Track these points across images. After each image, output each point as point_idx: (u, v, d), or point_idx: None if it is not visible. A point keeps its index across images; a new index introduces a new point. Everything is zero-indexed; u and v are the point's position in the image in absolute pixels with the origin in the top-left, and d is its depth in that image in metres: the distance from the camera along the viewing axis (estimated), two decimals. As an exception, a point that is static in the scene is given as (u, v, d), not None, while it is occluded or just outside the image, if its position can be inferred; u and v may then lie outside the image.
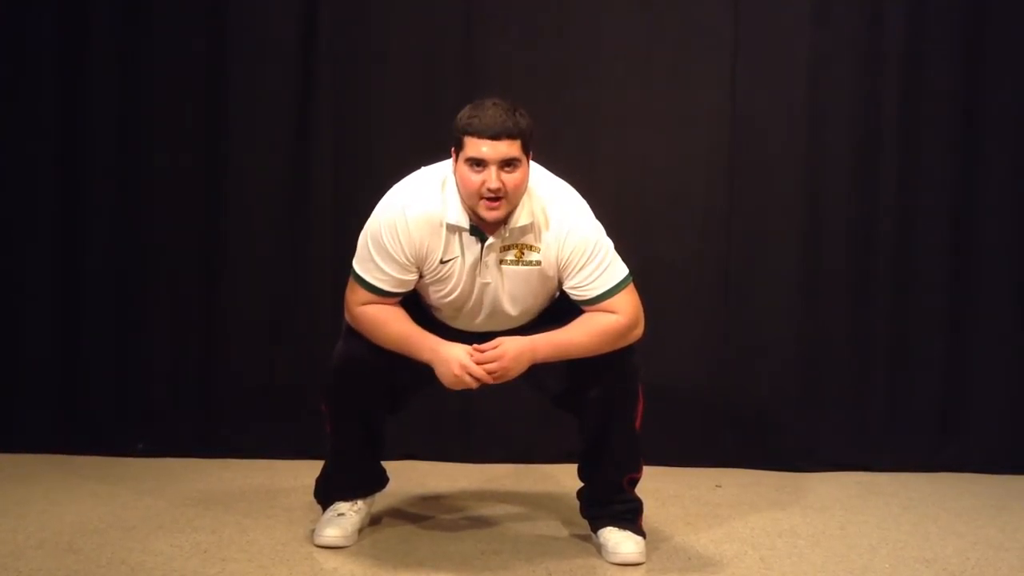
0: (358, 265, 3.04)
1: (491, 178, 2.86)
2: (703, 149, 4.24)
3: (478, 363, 2.90)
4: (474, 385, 2.93)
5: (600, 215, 3.07)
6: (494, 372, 2.91)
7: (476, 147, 2.87)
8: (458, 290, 3.03)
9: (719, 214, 4.24)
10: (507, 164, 2.88)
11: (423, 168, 3.09)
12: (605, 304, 3.00)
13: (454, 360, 2.92)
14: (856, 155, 4.24)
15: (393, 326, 3.01)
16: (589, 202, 3.07)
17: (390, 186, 3.06)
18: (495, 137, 2.86)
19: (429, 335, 2.99)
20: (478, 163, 2.88)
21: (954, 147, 4.24)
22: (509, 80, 4.01)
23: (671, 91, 4.23)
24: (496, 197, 2.88)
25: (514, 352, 2.91)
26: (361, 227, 3.06)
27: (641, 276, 3.14)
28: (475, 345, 2.92)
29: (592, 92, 4.21)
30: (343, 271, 3.17)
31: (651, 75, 4.22)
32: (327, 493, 3.28)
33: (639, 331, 3.04)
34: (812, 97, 4.21)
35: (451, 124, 2.96)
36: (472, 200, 2.91)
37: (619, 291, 3.01)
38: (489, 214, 2.90)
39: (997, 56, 4.21)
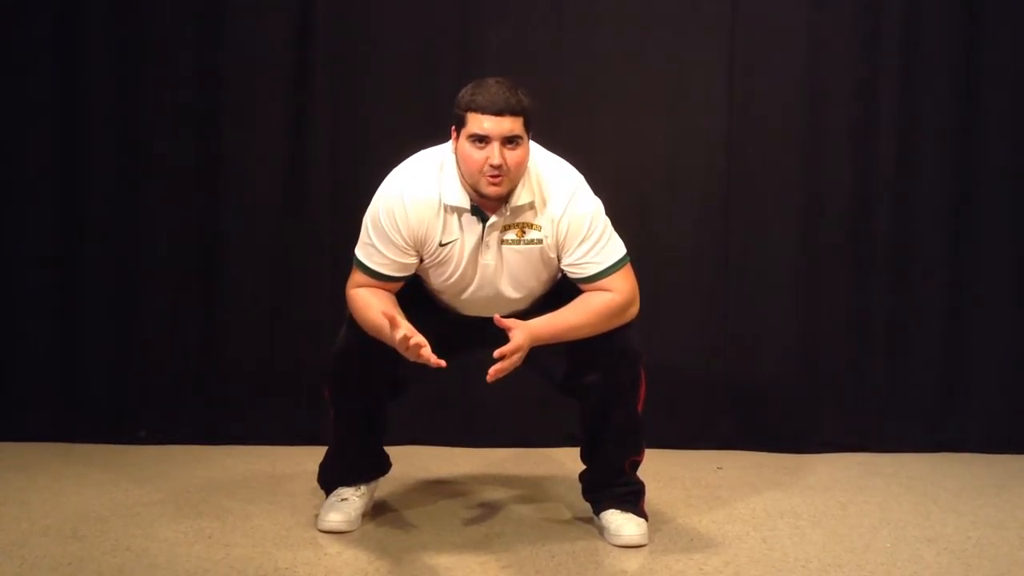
0: (359, 250, 3.05)
1: (494, 154, 2.86)
2: (701, 132, 4.25)
3: (499, 369, 2.83)
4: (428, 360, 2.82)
5: (599, 198, 3.07)
6: (513, 365, 2.86)
7: (479, 123, 2.87)
8: (459, 272, 3.03)
9: (718, 197, 4.25)
10: (509, 141, 2.88)
11: (421, 152, 3.10)
12: (602, 283, 3.01)
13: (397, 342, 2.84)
14: (854, 138, 4.24)
15: (368, 312, 2.98)
16: (588, 185, 3.07)
17: (388, 172, 3.07)
18: (498, 113, 2.86)
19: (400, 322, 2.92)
20: (480, 139, 2.87)
21: (952, 130, 4.25)
22: (506, 64, 3.99)
23: (669, 74, 4.23)
24: (498, 173, 2.88)
25: (527, 342, 2.89)
26: (359, 213, 3.07)
27: (640, 259, 3.15)
28: (497, 351, 2.85)
29: (590, 76, 4.21)
30: (342, 258, 3.18)
31: (649, 59, 4.22)
32: (330, 479, 3.29)
33: (635, 310, 3.05)
34: (810, 80, 4.21)
35: (449, 109, 2.96)
36: (474, 177, 2.91)
37: (616, 270, 3.02)
38: (491, 189, 2.90)
39: (995, 39, 4.21)
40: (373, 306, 2.99)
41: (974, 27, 4.22)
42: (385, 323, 2.89)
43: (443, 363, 2.84)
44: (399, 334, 2.82)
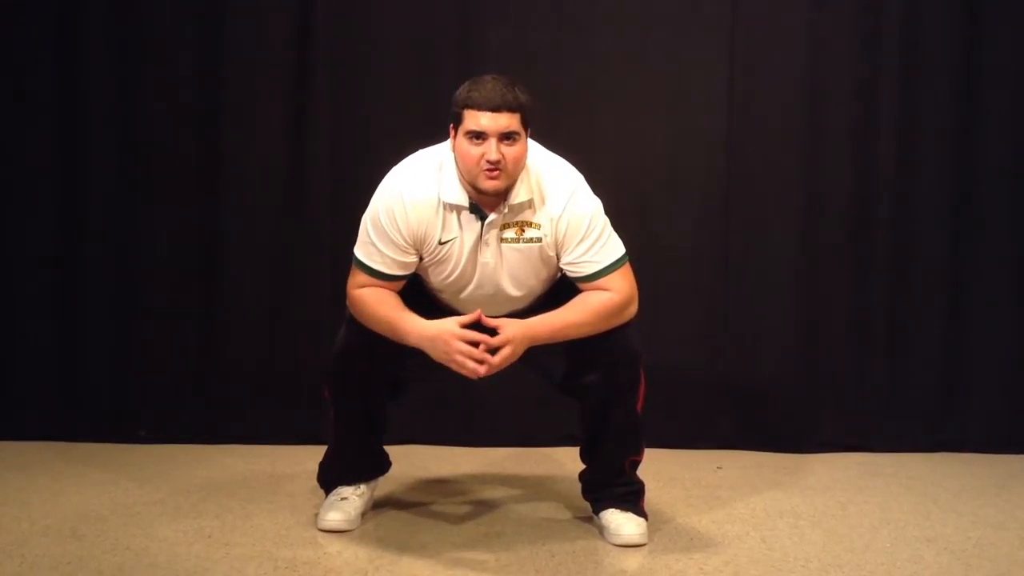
0: (359, 250, 3.05)
1: (491, 150, 2.86)
2: (701, 132, 4.25)
3: (490, 365, 2.88)
4: (478, 372, 2.89)
5: (598, 198, 3.07)
6: (505, 360, 2.89)
7: (476, 119, 2.87)
8: (458, 270, 3.03)
9: (718, 197, 4.25)
10: (507, 137, 2.88)
11: (420, 151, 3.10)
12: (601, 282, 3.00)
13: (446, 334, 2.89)
14: (854, 138, 4.24)
15: (380, 309, 3.00)
16: (588, 184, 3.07)
17: (388, 171, 3.07)
18: (495, 109, 2.86)
19: (414, 318, 2.95)
20: (478, 135, 2.88)
21: (952, 130, 4.25)
22: (506, 63, 3.97)
23: (669, 74, 4.23)
24: (495, 168, 2.88)
25: (519, 337, 2.91)
26: (359, 213, 3.07)
27: (640, 259, 3.16)
28: (482, 344, 2.88)
29: (590, 76, 4.22)
30: (342, 257, 3.18)
31: (649, 59, 4.23)
32: (330, 478, 3.29)
33: (633, 309, 3.05)
34: (810, 80, 4.22)
35: (449, 108, 2.96)
36: (471, 174, 2.91)
37: (615, 269, 3.02)
38: (488, 183, 2.90)
39: (995, 39, 4.21)
40: (383, 303, 3.00)
41: (974, 27, 4.22)
42: (397, 318, 2.94)
43: (480, 372, 2.88)
44: (459, 329, 2.88)
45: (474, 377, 2.90)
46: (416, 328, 2.94)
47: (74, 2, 4.17)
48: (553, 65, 4.20)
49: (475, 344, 2.89)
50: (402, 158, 3.10)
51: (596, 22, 4.22)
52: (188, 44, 4.20)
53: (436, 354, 2.91)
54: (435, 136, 3.11)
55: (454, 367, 2.91)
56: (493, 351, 2.88)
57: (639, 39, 4.22)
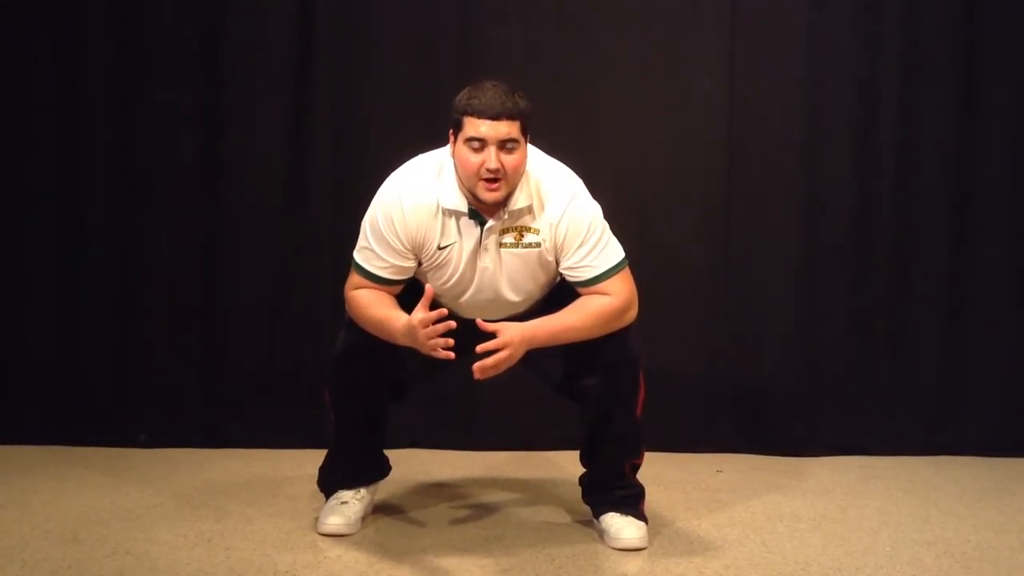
0: (358, 254, 3.05)
1: (490, 158, 2.86)
2: (702, 133, 4.24)
3: (484, 366, 2.84)
4: (445, 353, 2.80)
5: (599, 200, 3.07)
6: (503, 363, 2.87)
7: (476, 127, 2.87)
8: (457, 275, 3.03)
9: (718, 197, 4.24)
10: (506, 145, 2.87)
11: (419, 156, 3.09)
12: (600, 287, 3.00)
13: (412, 322, 2.81)
14: (855, 139, 4.24)
15: (372, 310, 2.99)
16: (588, 187, 3.06)
17: (388, 174, 3.07)
18: (495, 117, 2.86)
19: (400, 316, 2.91)
20: (478, 143, 2.87)
21: (952, 130, 4.24)
22: (507, 65, 4.01)
23: (669, 74, 4.23)
24: (495, 178, 2.88)
25: (517, 340, 2.90)
26: (359, 213, 3.07)
27: (640, 261, 3.16)
28: (480, 346, 2.85)
29: (590, 76, 4.21)
30: (342, 258, 3.18)
31: (649, 59, 4.22)
32: (330, 482, 3.29)
33: (633, 313, 3.04)
34: (810, 80, 4.21)
35: (449, 108, 2.96)
36: (471, 182, 2.91)
37: (614, 274, 3.01)
38: (488, 195, 2.90)
39: (996, 39, 4.21)
40: (375, 304, 3.00)
41: (974, 27, 4.21)
42: (387, 318, 2.92)
43: (452, 355, 2.81)
44: (422, 314, 2.79)
45: (452, 357, 2.81)
46: (399, 325, 2.90)
47: (74, 2, 4.17)
48: (553, 65, 4.19)
49: (452, 333, 2.81)
50: (403, 158, 3.10)
51: (596, 22, 4.21)
52: (188, 44, 4.19)
53: (416, 345, 2.86)
54: (435, 136, 3.11)
55: (430, 353, 2.82)
56: (489, 353, 2.87)
57: (639, 39, 4.22)
